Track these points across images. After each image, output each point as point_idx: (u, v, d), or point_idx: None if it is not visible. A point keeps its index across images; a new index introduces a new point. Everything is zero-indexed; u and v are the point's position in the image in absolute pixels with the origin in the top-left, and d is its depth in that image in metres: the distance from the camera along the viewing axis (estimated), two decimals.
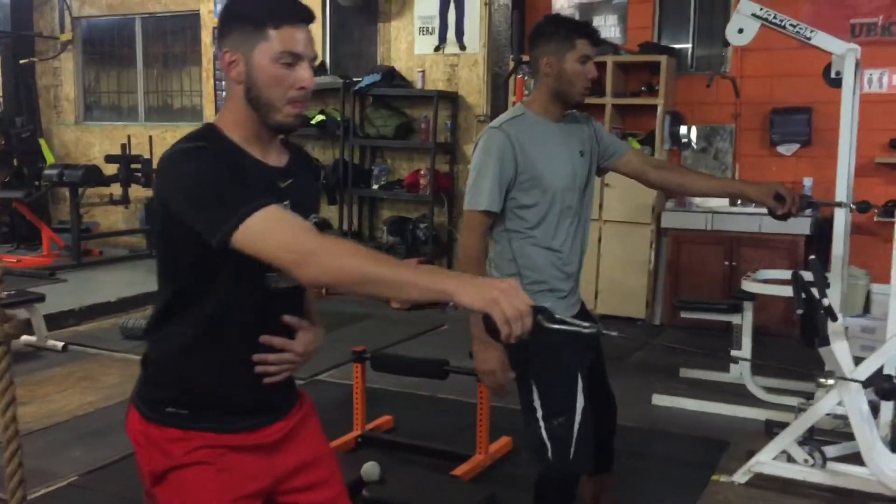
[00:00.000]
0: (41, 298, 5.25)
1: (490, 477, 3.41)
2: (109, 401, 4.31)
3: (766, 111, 6.29)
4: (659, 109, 6.24)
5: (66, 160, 9.03)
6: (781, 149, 6.29)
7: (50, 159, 8.97)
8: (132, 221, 8.90)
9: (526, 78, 6.19)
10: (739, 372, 4.51)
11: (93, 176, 7.84)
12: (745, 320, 4.47)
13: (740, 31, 4.38)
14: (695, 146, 6.53)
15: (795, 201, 2.49)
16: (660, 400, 4.42)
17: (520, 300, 1.34)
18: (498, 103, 6.88)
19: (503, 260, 2.45)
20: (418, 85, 7.17)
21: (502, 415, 3.58)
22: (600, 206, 6.32)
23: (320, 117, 7.41)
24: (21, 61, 9.01)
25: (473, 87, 7.15)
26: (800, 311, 2.90)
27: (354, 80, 7.32)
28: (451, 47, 7.20)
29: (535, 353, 2.37)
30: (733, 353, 4.52)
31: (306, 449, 1.74)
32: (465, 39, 7.13)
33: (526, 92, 6.63)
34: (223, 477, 1.61)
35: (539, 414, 2.37)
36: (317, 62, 7.51)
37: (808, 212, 5.67)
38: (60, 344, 5.26)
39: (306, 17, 1.58)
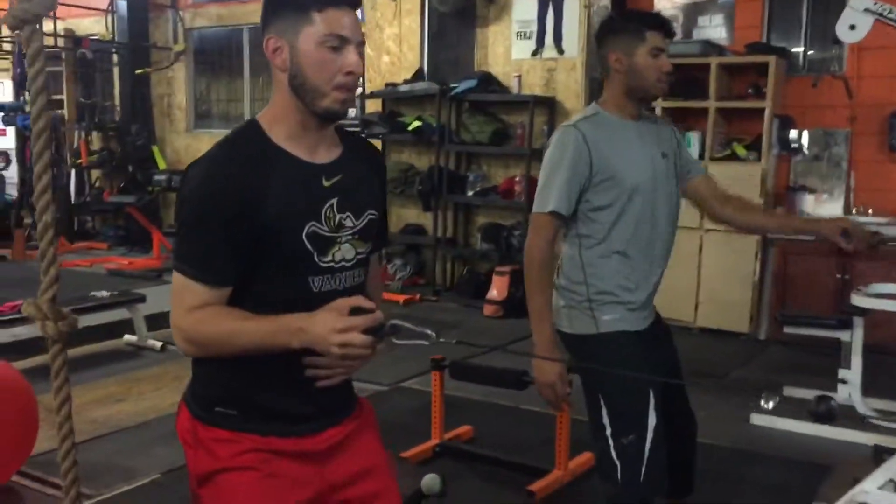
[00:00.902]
0: (142, 299, 5.44)
1: (568, 494, 3.27)
2: None
3: (886, 114, 5.88)
4: (766, 112, 5.92)
5: (178, 166, 9.37)
6: None
7: (162, 165, 9.35)
8: None
9: None
10: (848, 392, 4.20)
11: None
12: (854, 337, 4.15)
13: (852, 27, 4.11)
14: (806, 152, 6.17)
15: (863, 239, 2.35)
16: (759, 419, 4.16)
17: (332, 334, 1.43)
18: None
19: (572, 267, 2.33)
20: (514, 90, 7.07)
21: (585, 429, 3.43)
22: (701, 216, 6.05)
23: (417, 123, 7.41)
24: (137, 71, 9.42)
25: (571, 91, 6.99)
26: None
27: (451, 86, 7.29)
28: (549, 52, 7.07)
29: (606, 366, 2.25)
30: (841, 373, 4.21)
31: (361, 458, 1.68)
32: (564, 44, 6.98)
33: None
34: (268, 483, 1.57)
35: (608, 432, 2.25)
36: (414, 69, 7.55)
37: None
38: (159, 343, 5.42)
39: (351, 0, 1.53)
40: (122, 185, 9.34)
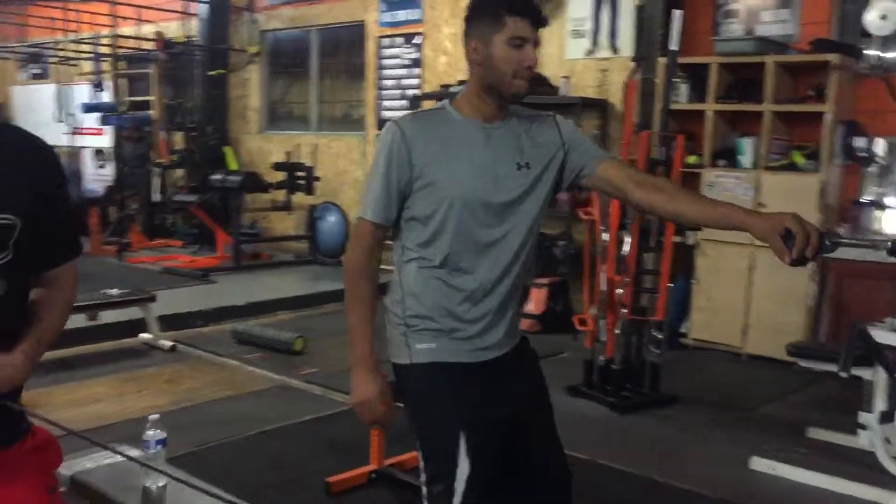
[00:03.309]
0: (152, 298, 5.44)
1: None
2: (174, 405, 4.31)
3: None
4: (827, 117, 5.30)
5: (250, 167, 9.49)
6: None
7: (233, 166, 9.48)
8: (301, 227, 9.15)
9: (637, 80, 5.51)
10: (869, 439, 3.63)
11: (251, 182, 8.14)
12: (877, 376, 3.58)
13: (883, 17, 3.58)
14: (881, 161, 5.48)
15: (811, 241, 1.64)
16: (759, 464, 3.67)
17: None
18: (648, 110, 6.23)
19: (392, 283, 2.04)
20: (562, 91, 6.68)
21: None
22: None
23: None
24: (209, 73, 9.60)
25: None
26: (844, 374, 2.18)
27: None
28: (603, 51, 6.65)
29: (415, 403, 1.95)
30: (862, 416, 3.64)
31: None
32: (618, 42, 6.55)
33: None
34: None
35: (422, 479, 1.95)
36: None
37: None
38: (169, 343, 5.41)
39: None
40: (192, 185, 9.51)
